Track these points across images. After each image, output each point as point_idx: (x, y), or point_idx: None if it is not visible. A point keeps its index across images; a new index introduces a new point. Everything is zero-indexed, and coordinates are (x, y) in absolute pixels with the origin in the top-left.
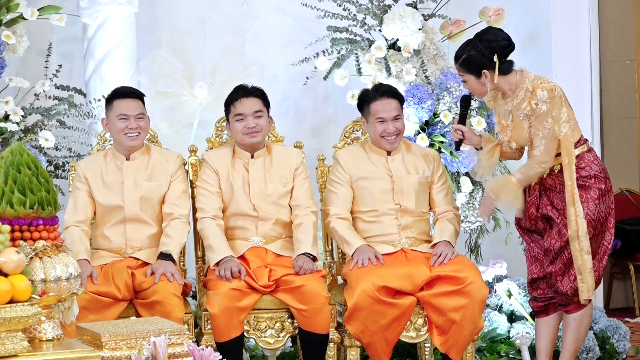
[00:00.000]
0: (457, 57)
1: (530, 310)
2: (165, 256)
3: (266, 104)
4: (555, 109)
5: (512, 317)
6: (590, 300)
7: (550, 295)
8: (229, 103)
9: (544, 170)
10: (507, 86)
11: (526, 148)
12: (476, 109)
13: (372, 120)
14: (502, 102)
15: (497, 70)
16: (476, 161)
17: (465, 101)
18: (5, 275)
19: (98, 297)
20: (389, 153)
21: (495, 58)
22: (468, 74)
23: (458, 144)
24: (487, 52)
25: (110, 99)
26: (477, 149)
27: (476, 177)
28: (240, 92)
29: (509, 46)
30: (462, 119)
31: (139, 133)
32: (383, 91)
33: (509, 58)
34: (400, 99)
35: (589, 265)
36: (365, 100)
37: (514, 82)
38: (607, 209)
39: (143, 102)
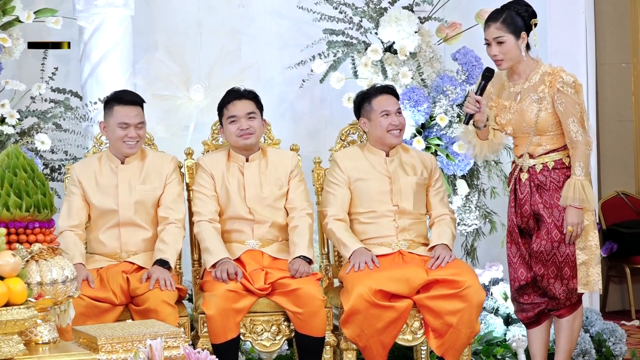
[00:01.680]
0: (496, 17)
1: None
2: (162, 263)
3: (259, 106)
4: (580, 94)
5: (509, 320)
6: (581, 301)
7: (537, 300)
8: (222, 106)
9: (591, 148)
10: (524, 64)
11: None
12: None
13: (375, 116)
14: (509, 83)
15: (533, 32)
16: (472, 147)
17: (490, 72)
18: (2, 278)
19: (95, 303)
20: (387, 154)
21: (532, 22)
22: (509, 33)
23: (469, 118)
24: (527, 15)
25: (110, 103)
26: (478, 128)
27: (475, 158)
28: (233, 94)
29: (536, 16)
30: (482, 90)
31: (138, 141)
32: (382, 87)
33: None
34: (397, 97)
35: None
36: (365, 98)
37: (531, 65)
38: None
39: (143, 108)
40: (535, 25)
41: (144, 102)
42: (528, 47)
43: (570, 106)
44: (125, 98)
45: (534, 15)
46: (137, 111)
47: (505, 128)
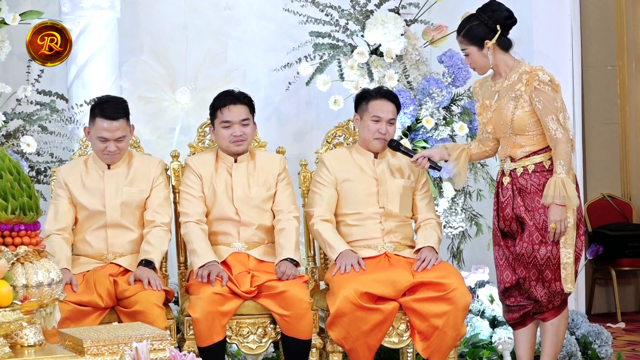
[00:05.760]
0: (459, 30)
1: None
2: (147, 263)
3: (252, 110)
4: (559, 93)
5: (495, 323)
6: (566, 303)
7: (523, 302)
8: (216, 108)
9: (573, 146)
10: (503, 64)
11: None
12: (458, 115)
13: (367, 117)
14: (490, 83)
15: (496, 38)
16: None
17: (392, 143)
18: None
19: (79, 308)
20: (375, 156)
21: (498, 27)
22: (471, 45)
23: (434, 166)
24: (490, 22)
25: (93, 111)
26: (446, 161)
27: (455, 187)
28: (228, 98)
29: (511, 18)
30: (407, 151)
31: (118, 153)
32: (384, 92)
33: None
34: (398, 106)
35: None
36: (364, 97)
37: (510, 65)
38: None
39: (128, 119)
40: (509, 26)
41: (128, 114)
42: (509, 45)
43: (548, 104)
44: (107, 112)
45: (504, 19)
46: (118, 125)
47: (486, 127)
